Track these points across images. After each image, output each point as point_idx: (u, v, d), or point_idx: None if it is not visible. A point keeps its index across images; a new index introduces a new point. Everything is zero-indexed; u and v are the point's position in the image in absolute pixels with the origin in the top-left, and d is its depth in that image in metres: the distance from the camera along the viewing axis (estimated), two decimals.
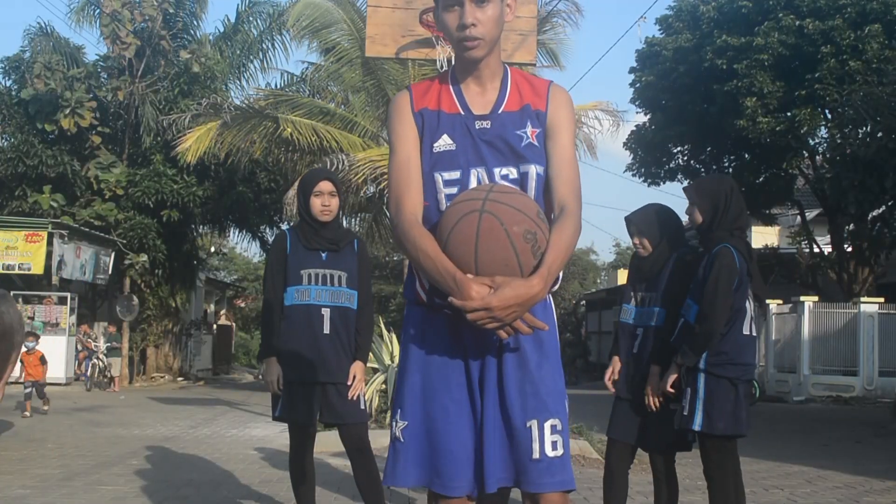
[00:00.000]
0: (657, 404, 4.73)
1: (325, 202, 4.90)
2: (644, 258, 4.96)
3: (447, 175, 2.68)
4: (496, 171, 2.67)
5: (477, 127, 2.71)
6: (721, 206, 4.68)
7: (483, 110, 2.74)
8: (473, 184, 2.66)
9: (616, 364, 4.94)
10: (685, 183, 24.09)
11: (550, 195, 2.72)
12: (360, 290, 5.02)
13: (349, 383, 4.88)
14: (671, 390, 4.66)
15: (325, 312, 4.89)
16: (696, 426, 4.52)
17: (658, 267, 4.91)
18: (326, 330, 4.88)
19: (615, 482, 4.95)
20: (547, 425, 2.59)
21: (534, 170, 2.70)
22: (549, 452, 2.57)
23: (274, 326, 4.92)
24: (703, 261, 4.66)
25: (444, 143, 2.70)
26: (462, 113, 2.74)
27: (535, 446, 2.57)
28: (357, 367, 4.92)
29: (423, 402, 2.68)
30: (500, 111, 2.73)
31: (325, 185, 4.93)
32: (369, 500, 4.96)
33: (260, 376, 30.71)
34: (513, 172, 2.69)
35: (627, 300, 5.01)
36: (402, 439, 2.69)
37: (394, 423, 2.73)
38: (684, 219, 5.07)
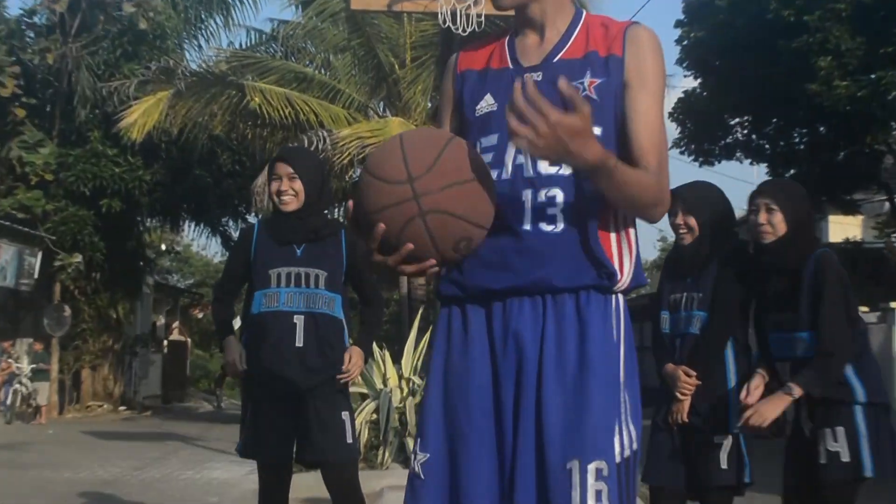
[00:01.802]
0: (684, 419, 4.70)
1: (282, 188, 4.86)
2: (686, 246, 4.87)
3: (485, 141, 2.63)
4: None
5: (529, 80, 2.52)
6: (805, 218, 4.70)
7: (535, 60, 2.68)
8: (511, 151, 2.59)
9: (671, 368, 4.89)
10: (745, 163, 24.10)
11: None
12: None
13: (340, 380, 4.89)
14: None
15: (298, 320, 4.86)
16: (869, 472, 4.42)
17: (701, 259, 4.81)
18: (299, 342, 4.84)
19: None
20: (591, 468, 2.45)
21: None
22: (591, 502, 2.43)
23: (228, 310, 5.09)
24: (808, 268, 4.56)
25: (486, 103, 2.67)
26: (511, 66, 2.70)
27: (575, 495, 2.43)
28: (354, 351, 4.94)
29: (447, 430, 2.60)
30: (555, 59, 2.66)
31: (282, 168, 4.90)
32: None
33: (219, 404, 30.82)
34: None
35: (664, 306, 4.94)
36: (421, 476, 2.59)
37: (413, 456, 2.65)
38: None
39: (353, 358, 4.88)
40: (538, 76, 2.61)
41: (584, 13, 2.74)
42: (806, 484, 4.53)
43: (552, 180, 2.56)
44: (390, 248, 2.38)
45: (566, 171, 2.54)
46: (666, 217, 4.62)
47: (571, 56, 2.66)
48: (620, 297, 2.64)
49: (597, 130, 2.53)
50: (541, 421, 2.49)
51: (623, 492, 2.49)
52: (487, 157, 2.58)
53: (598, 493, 2.43)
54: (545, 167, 2.55)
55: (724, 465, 4.70)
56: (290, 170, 4.87)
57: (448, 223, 2.36)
